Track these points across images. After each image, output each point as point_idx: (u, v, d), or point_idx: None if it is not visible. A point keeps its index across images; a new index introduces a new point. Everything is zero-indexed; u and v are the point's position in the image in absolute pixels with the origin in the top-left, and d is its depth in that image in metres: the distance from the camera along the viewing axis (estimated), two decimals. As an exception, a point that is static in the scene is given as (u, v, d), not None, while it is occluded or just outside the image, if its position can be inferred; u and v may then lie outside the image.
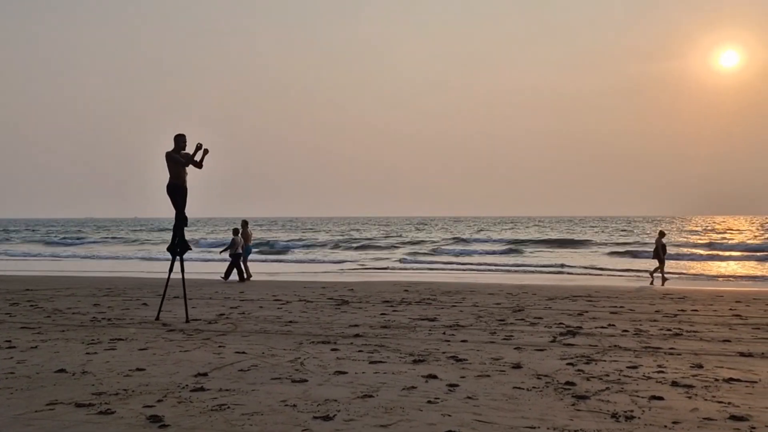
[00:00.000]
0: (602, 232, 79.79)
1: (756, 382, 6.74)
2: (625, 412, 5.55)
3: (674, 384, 6.59)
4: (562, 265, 30.80)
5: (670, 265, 24.65)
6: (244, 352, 8.31)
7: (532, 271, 28.26)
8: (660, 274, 22.02)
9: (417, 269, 29.32)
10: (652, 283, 21.32)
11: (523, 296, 15.63)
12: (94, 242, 66.41)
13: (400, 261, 36.47)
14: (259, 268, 26.68)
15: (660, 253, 22.27)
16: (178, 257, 11.83)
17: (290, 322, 11.26)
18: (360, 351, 8.43)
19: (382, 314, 12.25)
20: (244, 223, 22.08)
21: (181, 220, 11.58)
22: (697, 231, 77.59)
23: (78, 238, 71.85)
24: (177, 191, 11.43)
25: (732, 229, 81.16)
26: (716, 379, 6.82)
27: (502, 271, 28.30)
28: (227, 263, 21.67)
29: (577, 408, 5.70)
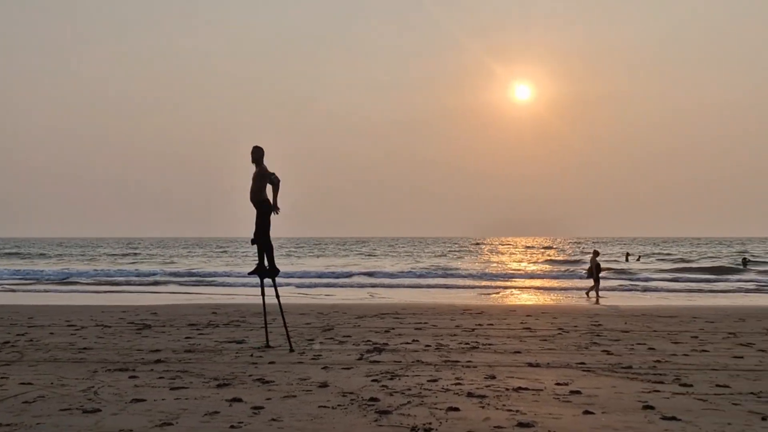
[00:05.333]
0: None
1: (542, 390, 7.31)
2: (424, 424, 5.79)
3: (469, 395, 6.98)
4: None
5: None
6: (30, 383, 7.66)
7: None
8: (594, 292, 23.15)
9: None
10: (592, 300, 22.10)
11: (333, 315, 15.81)
12: None
13: None
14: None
15: (595, 272, 23.35)
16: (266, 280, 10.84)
17: (84, 348, 10.53)
18: (161, 377, 8.06)
19: (186, 338, 11.82)
20: None
21: (268, 241, 10.50)
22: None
23: None
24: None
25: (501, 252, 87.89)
26: (507, 389, 7.31)
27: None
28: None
29: (379, 423, 5.85)
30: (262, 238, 10.40)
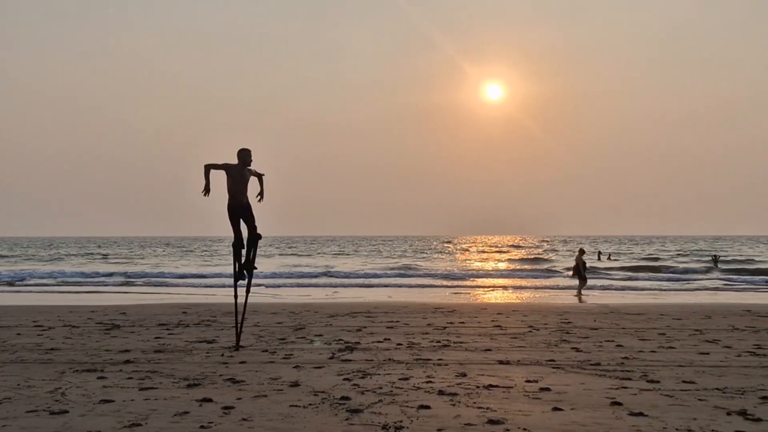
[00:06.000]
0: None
1: (512, 387, 7.38)
2: (395, 422, 5.81)
3: (441, 393, 7.02)
4: None
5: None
6: (-5, 385, 7.53)
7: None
8: (579, 291, 23.11)
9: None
10: (580, 300, 21.93)
11: (305, 314, 15.77)
12: None
13: None
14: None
15: (581, 270, 23.27)
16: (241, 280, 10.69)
17: (52, 349, 10.37)
18: (130, 378, 7.98)
19: (156, 338, 11.70)
20: None
21: (254, 239, 10.41)
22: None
23: None
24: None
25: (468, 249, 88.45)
26: (477, 387, 7.36)
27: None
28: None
29: (350, 422, 5.86)
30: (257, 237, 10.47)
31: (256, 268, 10.89)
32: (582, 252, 24.42)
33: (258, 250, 10.78)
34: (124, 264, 54.03)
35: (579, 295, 23.44)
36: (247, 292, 10.86)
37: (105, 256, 69.19)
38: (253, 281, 11.04)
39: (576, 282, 24.41)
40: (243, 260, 10.70)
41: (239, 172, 10.21)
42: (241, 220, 10.41)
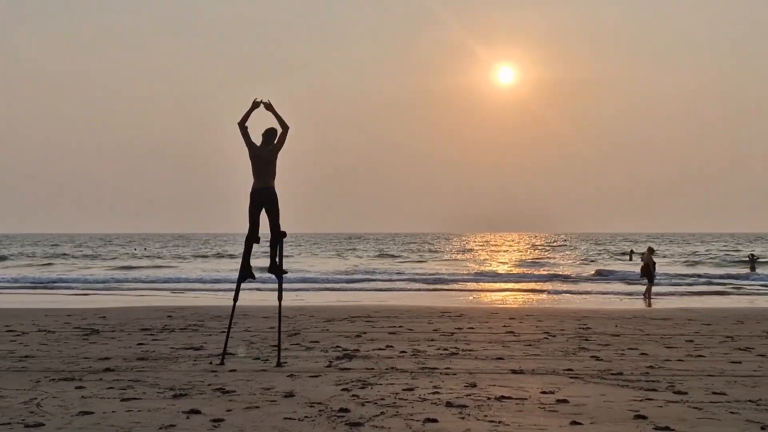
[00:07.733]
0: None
1: (526, 399, 7.38)
2: (399, 437, 5.83)
3: (449, 405, 7.03)
4: None
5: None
6: (-36, 395, 7.55)
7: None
8: (647, 293, 23.04)
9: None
10: (649, 304, 21.98)
11: (300, 319, 15.80)
12: None
13: None
14: None
15: (651, 270, 23.19)
16: (246, 281, 10.31)
17: (26, 357, 10.40)
18: (110, 387, 8.00)
19: (139, 344, 11.73)
20: None
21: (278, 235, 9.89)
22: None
23: None
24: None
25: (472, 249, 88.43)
26: (489, 398, 7.37)
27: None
28: None
29: (350, 436, 5.87)
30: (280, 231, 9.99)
31: (286, 272, 10.42)
32: (651, 251, 24.47)
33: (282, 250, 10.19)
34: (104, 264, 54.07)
35: (648, 297, 23.41)
36: (279, 299, 10.45)
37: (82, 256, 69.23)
38: (245, 285, 10.59)
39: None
40: (268, 263, 10.18)
41: (262, 151, 9.88)
42: (264, 212, 9.91)
